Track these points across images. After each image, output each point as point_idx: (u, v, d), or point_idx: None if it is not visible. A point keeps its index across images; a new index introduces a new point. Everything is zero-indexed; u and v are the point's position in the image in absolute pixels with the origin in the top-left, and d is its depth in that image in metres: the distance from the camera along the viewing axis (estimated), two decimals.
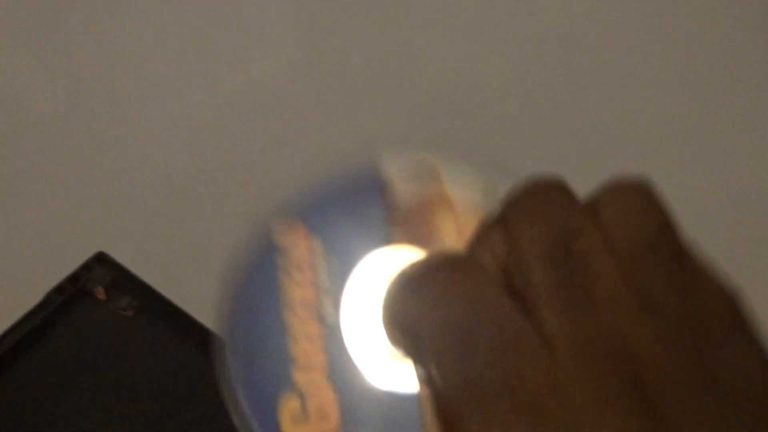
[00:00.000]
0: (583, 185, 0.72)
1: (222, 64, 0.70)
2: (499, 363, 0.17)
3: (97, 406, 0.50)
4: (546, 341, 0.17)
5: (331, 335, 0.24)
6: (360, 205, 0.26)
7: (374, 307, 0.23)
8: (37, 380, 0.48)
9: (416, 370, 0.20)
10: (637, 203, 0.19)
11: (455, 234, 0.25)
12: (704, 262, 0.20)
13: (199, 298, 0.75)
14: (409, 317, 0.19)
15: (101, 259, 0.55)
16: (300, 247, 0.26)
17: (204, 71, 0.71)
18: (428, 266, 0.20)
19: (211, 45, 0.70)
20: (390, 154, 0.27)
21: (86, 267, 0.54)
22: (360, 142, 0.72)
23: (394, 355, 0.23)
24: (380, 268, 0.24)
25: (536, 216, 0.19)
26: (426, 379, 0.19)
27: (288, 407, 0.23)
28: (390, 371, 0.23)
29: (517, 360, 0.17)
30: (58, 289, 0.52)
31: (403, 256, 0.25)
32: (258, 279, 0.26)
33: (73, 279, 0.53)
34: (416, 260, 0.21)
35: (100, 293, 0.54)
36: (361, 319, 0.24)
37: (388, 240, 0.25)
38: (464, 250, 0.20)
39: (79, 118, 0.73)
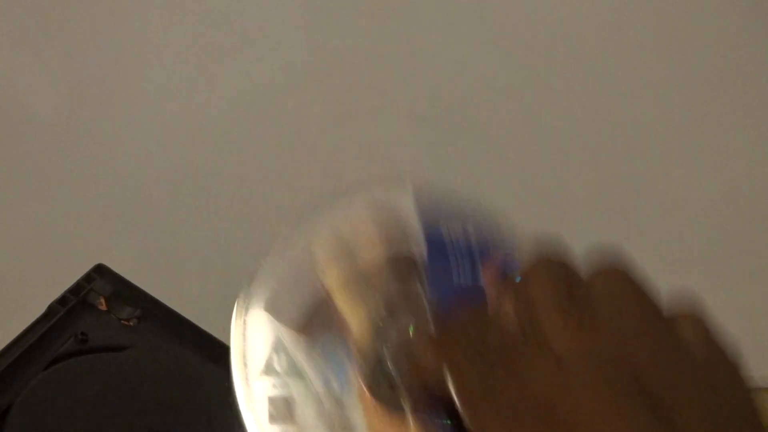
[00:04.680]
0: (582, 184, 0.72)
1: (222, 66, 0.71)
2: (512, 367, 0.22)
3: (102, 415, 0.50)
4: (556, 355, 0.22)
5: None
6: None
7: None
8: (43, 390, 0.49)
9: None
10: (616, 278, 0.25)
11: None
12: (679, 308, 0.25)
13: (200, 305, 0.76)
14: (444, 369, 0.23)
15: (101, 271, 0.56)
16: None
17: (204, 73, 0.71)
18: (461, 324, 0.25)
19: (211, 47, 0.70)
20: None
21: (87, 278, 0.55)
22: (360, 142, 0.74)
23: None
24: None
25: (549, 276, 0.24)
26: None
27: None
28: None
29: (528, 366, 0.22)
30: (61, 301, 0.53)
31: None
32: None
33: (75, 290, 0.54)
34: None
35: (102, 304, 0.55)
36: None
37: None
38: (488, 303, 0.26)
39: (78, 121, 0.73)
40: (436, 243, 0.32)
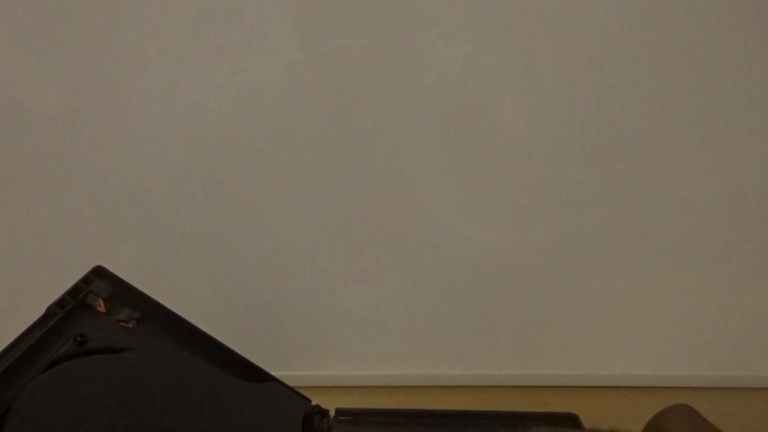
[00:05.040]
0: (584, 184, 0.71)
1: (222, 65, 0.71)
2: None
3: (101, 417, 0.50)
4: None
5: None
6: None
7: None
8: (41, 392, 0.49)
9: None
10: None
11: None
12: None
13: (199, 306, 0.76)
14: None
15: (100, 273, 0.56)
16: None
17: (204, 73, 0.71)
18: None
19: (211, 46, 0.70)
20: None
21: (86, 280, 0.55)
22: (360, 141, 0.73)
23: None
24: None
25: None
26: None
27: None
28: None
29: None
30: (60, 303, 0.53)
31: None
32: None
33: (74, 292, 0.54)
34: None
35: (101, 306, 0.55)
36: None
37: None
38: None
39: (77, 121, 0.72)
40: None
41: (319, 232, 0.77)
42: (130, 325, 0.56)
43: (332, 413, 0.70)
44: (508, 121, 0.72)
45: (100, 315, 0.54)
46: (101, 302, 0.54)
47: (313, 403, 0.69)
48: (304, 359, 0.82)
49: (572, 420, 0.69)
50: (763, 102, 0.69)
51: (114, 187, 0.75)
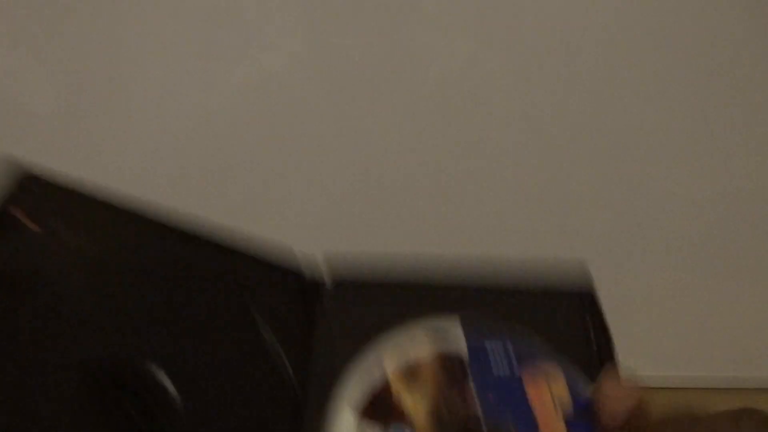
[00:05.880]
0: (584, 183, 0.70)
1: (222, 61, 0.70)
2: None
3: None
4: None
5: None
6: None
7: None
8: None
9: None
10: None
11: None
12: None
13: None
14: None
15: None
16: None
17: (205, 69, 0.71)
18: None
19: (211, 42, 0.70)
20: None
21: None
22: (361, 139, 0.73)
23: None
24: None
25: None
26: None
27: None
28: None
29: None
30: None
31: None
32: None
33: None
34: None
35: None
36: None
37: None
38: None
39: (79, 117, 0.72)
40: (477, 347, 0.41)
41: (322, 232, 0.75)
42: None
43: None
44: (510, 119, 0.72)
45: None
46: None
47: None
48: None
49: None
50: (762, 101, 0.70)
51: (119, 181, 0.67)
